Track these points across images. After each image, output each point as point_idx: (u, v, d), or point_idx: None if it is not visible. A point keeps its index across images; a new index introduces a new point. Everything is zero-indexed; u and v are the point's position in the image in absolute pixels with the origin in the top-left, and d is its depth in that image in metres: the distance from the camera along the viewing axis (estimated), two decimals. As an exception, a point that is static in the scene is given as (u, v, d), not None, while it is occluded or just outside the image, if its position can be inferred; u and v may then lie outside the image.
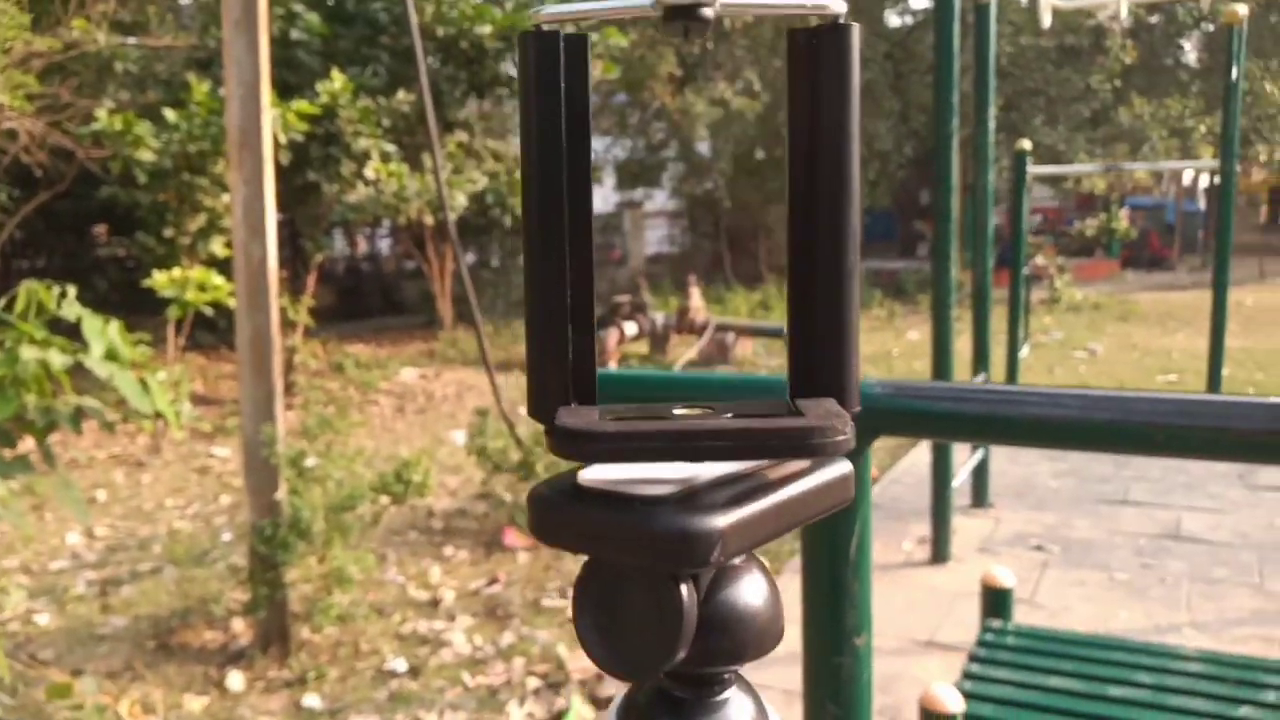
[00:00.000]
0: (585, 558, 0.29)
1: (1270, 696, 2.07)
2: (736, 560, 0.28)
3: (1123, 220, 20.96)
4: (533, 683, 3.35)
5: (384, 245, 17.99)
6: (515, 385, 7.30)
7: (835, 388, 0.31)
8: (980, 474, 4.95)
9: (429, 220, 9.08)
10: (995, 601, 2.49)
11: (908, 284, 15.87)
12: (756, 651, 0.28)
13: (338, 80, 7.66)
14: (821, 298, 0.32)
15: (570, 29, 0.31)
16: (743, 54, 16.26)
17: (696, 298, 10.09)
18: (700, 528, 0.24)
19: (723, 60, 16.21)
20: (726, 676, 0.29)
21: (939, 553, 4.21)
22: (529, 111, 0.32)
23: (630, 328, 9.90)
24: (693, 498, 0.25)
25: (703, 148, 17.21)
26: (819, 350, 0.32)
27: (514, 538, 4.66)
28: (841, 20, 0.33)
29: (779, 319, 11.13)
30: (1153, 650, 2.45)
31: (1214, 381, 5.63)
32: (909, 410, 1.05)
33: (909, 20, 20.45)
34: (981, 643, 2.33)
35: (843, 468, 0.30)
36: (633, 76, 14.74)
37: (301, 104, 7.01)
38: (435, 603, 4.00)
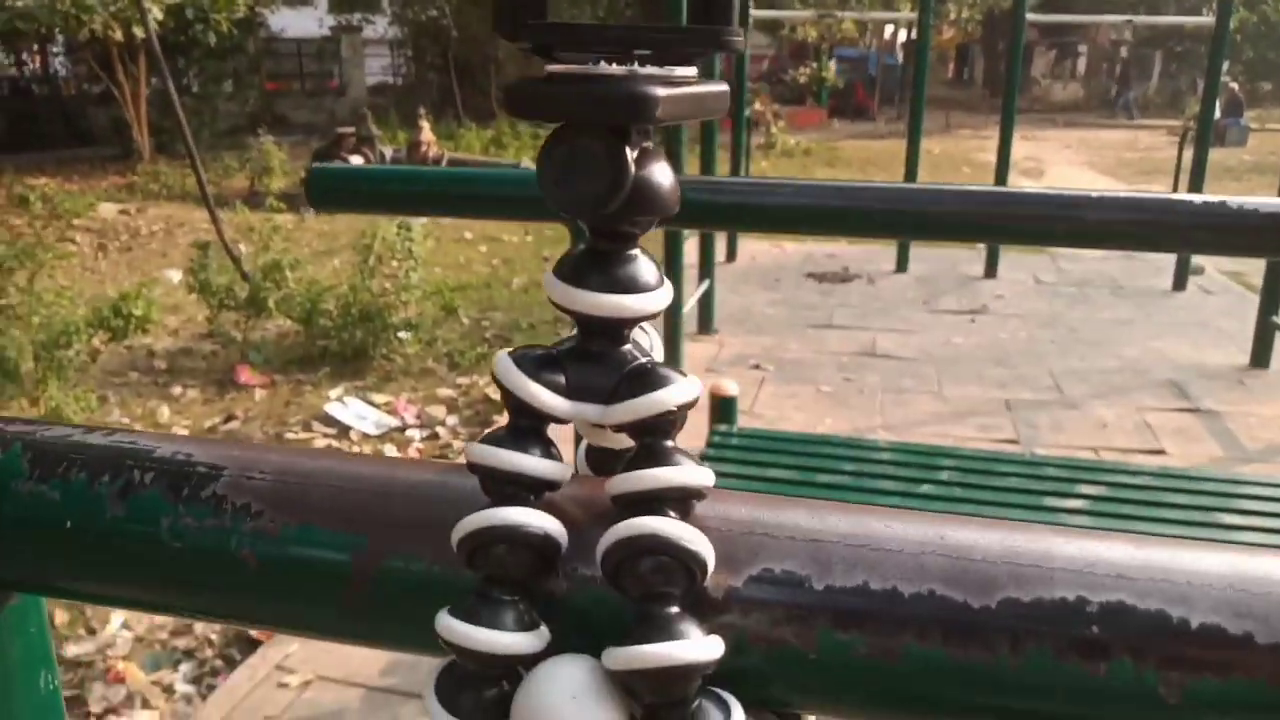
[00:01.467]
0: (550, 130, 0.36)
1: (944, 475, 2.49)
2: (649, 144, 0.36)
3: (831, 70, 22.29)
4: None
5: (60, 64, 15.77)
6: (233, 221, 6.84)
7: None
8: (706, 303, 5.31)
9: (117, 36, 8.08)
10: (722, 408, 2.77)
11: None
12: (662, 212, 0.37)
13: None
14: None
15: None
16: None
17: (428, 131, 9.75)
18: (648, 93, 0.32)
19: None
20: (637, 234, 0.37)
21: (671, 374, 4.52)
22: None
23: (356, 160, 9.44)
24: (638, 76, 0.33)
25: (426, -30, 16.23)
26: None
27: (248, 375, 4.49)
28: None
29: (514, 156, 10.99)
30: (852, 444, 2.85)
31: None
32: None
33: None
34: (711, 444, 2.60)
35: (721, 85, 0.38)
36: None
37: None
38: (168, 443, 3.83)
